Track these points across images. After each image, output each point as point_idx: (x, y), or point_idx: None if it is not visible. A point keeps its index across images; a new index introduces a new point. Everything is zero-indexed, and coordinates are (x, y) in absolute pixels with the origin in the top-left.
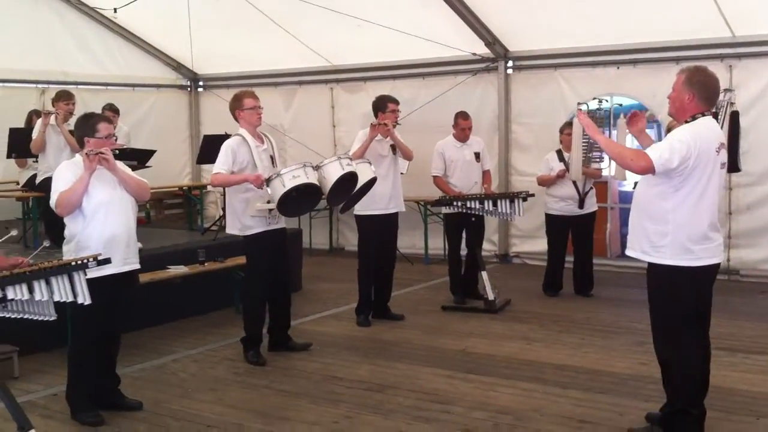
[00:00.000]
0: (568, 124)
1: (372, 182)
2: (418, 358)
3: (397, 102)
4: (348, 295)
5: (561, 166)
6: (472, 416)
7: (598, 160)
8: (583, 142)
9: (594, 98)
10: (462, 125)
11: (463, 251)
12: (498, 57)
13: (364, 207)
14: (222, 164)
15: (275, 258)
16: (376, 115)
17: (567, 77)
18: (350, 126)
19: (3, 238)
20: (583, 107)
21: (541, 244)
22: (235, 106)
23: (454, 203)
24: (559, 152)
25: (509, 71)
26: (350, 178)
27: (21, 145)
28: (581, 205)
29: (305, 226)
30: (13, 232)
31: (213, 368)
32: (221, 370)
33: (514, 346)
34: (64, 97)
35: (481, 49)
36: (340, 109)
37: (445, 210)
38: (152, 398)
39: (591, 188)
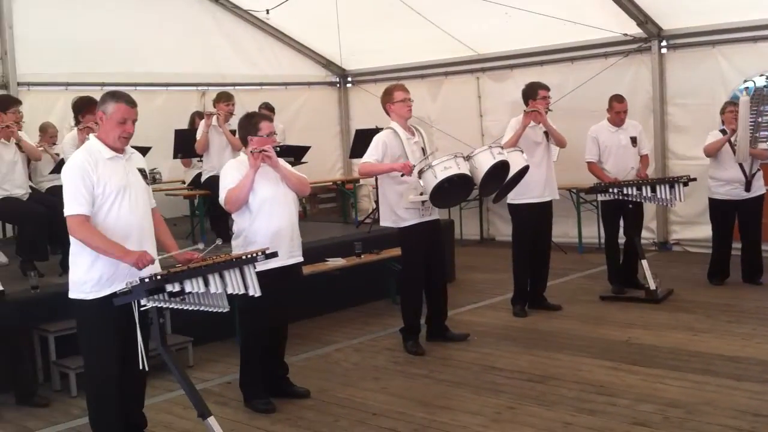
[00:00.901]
0: (730, 103)
1: (524, 171)
2: (578, 348)
3: (547, 88)
4: (502, 285)
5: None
6: (639, 409)
7: (765, 140)
8: (750, 122)
9: (762, 75)
10: (617, 108)
11: (621, 239)
12: (651, 36)
13: (518, 195)
14: (370, 155)
15: (430, 249)
16: (526, 103)
17: (727, 54)
18: (497, 115)
19: (209, 249)
20: (749, 84)
21: (703, 231)
22: (386, 99)
23: (610, 190)
24: (723, 131)
25: (663, 51)
26: (502, 167)
27: (186, 145)
28: (748, 188)
29: (455, 217)
30: (218, 242)
31: (374, 358)
32: (382, 359)
33: (679, 337)
34: (224, 99)
35: (633, 29)
36: (487, 99)
37: (600, 197)
38: (318, 386)
39: (758, 170)
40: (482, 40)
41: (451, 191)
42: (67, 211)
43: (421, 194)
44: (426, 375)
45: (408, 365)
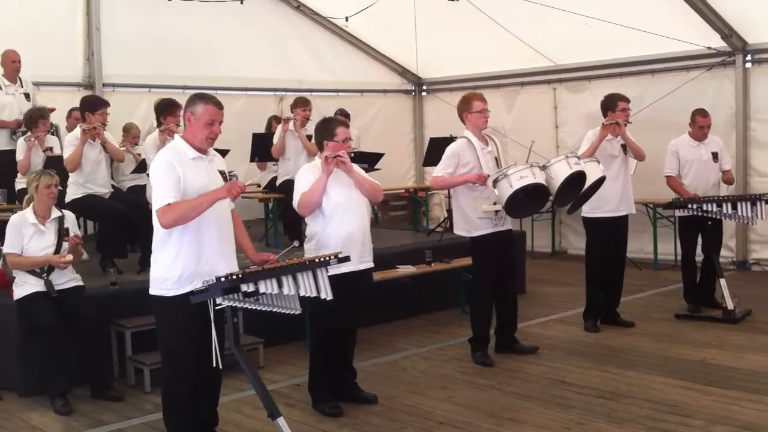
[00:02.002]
0: None
1: (600, 182)
2: (651, 366)
3: (627, 100)
4: (574, 299)
5: None
6: (713, 431)
7: None
8: None
9: None
10: (700, 123)
11: (698, 257)
12: (735, 50)
13: (593, 209)
14: (443, 168)
15: (501, 259)
16: (605, 114)
17: None
18: (574, 127)
19: (285, 251)
20: None
21: None
22: (463, 108)
23: (689, 206)
24: None
25: (747, 65)
26: (578, 177)
27: (262, 149)
28: None
29: (527, 228)
30: (296, 243)
31: (441, 366)
32: (450, 368)
33: (758, 359)
34: (301, 104)
35: (717, 43)
36: (563, 110)
37: (678, 213)
38: (385, 393)
39: None
40: (560, 50)
41: (526, 201)
42: (156, 204)
43: (495, 204)
44: (494, 386)
45: (476, 375)
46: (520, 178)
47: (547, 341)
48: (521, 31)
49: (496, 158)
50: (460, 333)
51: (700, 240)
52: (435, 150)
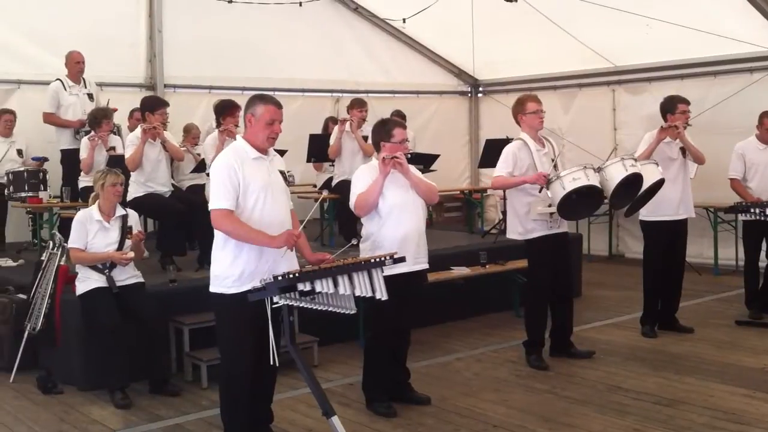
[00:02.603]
0: None
1: (659, 184)
2: (710, 373)
3: (687, 102)
4: (631, 304)
5: None
6: None
7: None
8: None
9: None
10: None
11: (761, 262)
12: None
13: (651, 212)
14: (502, 168)
15: (557, 262)
16: (664, 117)
17: None
18: (632, 129)
19: (342, 250)
20: None
21: None
22: (518, 110)
23: (752, 210)
24: None
25: None
26: (634, 180)
27: (319, 150)
28: None
29: (584, 231)
30: (354, 241)
31: (495, 369)
32: (504, 371)
33: None
34: (357, 105)
35: None
36: (622, 111)
37: (741, 217)
38: (439, 394)
39: None
40: (620, 51)
41: (580, 203)
42: (213, 204)
43: (550, 206)
44: (549, 390)
45: (530, 379)
46: (572, 180)
47: (602, 346)
48: (579, 32)
49: (552, 160)
50: (514, 336)
51: (764, 245)
52: (491, 152)
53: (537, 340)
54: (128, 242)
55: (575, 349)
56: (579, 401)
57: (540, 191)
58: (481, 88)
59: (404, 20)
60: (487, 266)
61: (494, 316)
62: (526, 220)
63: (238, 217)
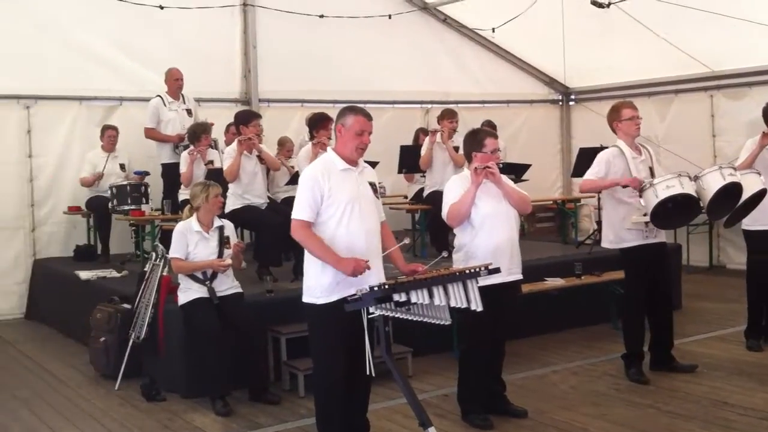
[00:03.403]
0: None
1: (761, 195)
2: None
3: None
4: (734, 317)
5: None
6: None
7: None
8: None
9: None
10: None
11: None
12: None
13: (755, 221)
14: (593, 172)
15: (654, 273)
16: (767, 123)
17: None
18: (732, 135)
19: (434, 262)
20: None
21: None
22: (614, 117)
23: None
24: None
25: None
26: (733, 189)
27: (410, 161)
28: None
29: (683, 241)
30: (406, 241)
31: (593, 382)
32: (602, 385)
33: None
34: (448, 116)
35: None
36: (722, 118)
37: None
38: (535, 407)
39: None
40: (718, 55)
41: (674, 212)
42: (294, 214)
43: (645, 215)
44: (650, 405)
45: (630, 393)
46: (666, 187)
47: (705, 360)
48: (675, 37)
49: (650, 168)
50: (611, 349)
51: None
52: (584, 160)
53: (636, 353)
54: (227, 251)
55: (677, 362)
56: (682, 416)
57: (640, 195)
58: (572, 97)
59: (493, 30)
60: (582, 277)
61: (591, 329)
62: (621, 229)
63: (324, 231)
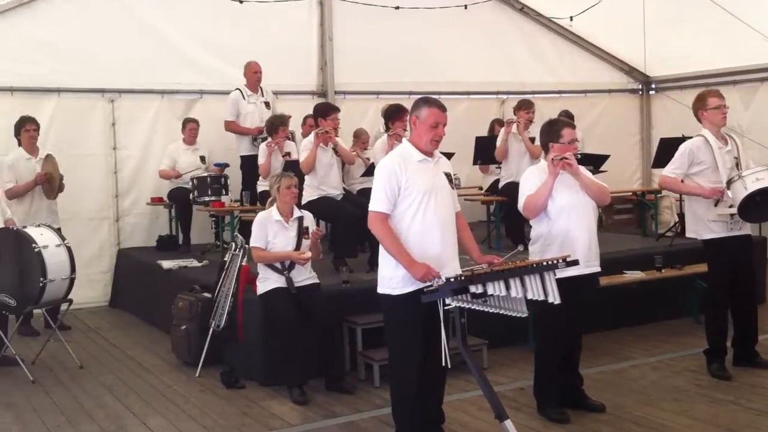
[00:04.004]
0: None
1: None
2: None
3: None
4: None
5: None
6: None
7: None
8: None
9: None
10: None
11: None
12: None
13: None
14: (673, 169)
15: (738, 266)
16: None
17: None
18: None
19: (510, 254)
20: None
21: None
22: (699, 105)
23: None
24: None
25: None
26: None
27: (485, 152)
28: None
29: (767, 233)
30: (520, 248)
31: (673, 378)
32: (682, 380)
33: None
34: (524, 106)
35: None
36: None
37: None
38: (613, 402)
39: None
40: None
41: (764, 205)
42: (371, 206)
43: (731, 207)
44: (733, 401)
45: (712, 389)
46: (756, 180)
47: None
48: (759, 23)
49: (735, 158)
50: (693, 344)
51: None
52: (665, 151)
53: (719, 348)
54: (305, 243)
55: (761, 358)
56: (766, 413)
57: (715, 205)
58: (653, 85)
59: (571, 18)
60: (663, 270)
61: (671, 323)
62: (704, 220)
63: (401, 222)
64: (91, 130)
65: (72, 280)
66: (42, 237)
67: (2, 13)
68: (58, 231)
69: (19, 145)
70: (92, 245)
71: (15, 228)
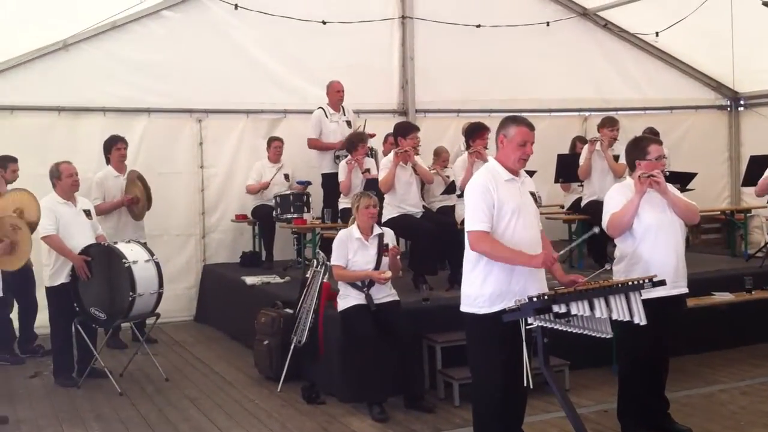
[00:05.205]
0: None
1: None
2: None
3: None
4: None
5: None
6: None
7: None
8: None
9: None
10: None
11: None
12: None
13: None
14: None
15: None
16: None
17: None
18: None
19: (594, 274)
20: None
21: None
22: None
23: None
24: None
25: None
26: None
27: (568, 170)
28: None
29: None
30: (596, 229)
31: (764, 403)
32: None
33: None
34: (608, 124)
35: None
36: None
37: None
38: (701, 427)
39: None
40: None
41: None
42: (469, 226)
43: None
44: None
45: None
46: None
47: None
48: None
49: None
50: None
51: None
52: (756, 169)
53: None
54: (385, 260)
55: None
56: None
57: None
58: (742, 102)
59: (657, 33)
60: (753, 292)
61: (762, 346)
62: None
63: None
64: (180, 149)
65: (160, 295)
66: (132, 252)
67: (96, 36)
68: (145, 245)
69: (108, 163)
70: (179, 261)
71: (106, 244)
